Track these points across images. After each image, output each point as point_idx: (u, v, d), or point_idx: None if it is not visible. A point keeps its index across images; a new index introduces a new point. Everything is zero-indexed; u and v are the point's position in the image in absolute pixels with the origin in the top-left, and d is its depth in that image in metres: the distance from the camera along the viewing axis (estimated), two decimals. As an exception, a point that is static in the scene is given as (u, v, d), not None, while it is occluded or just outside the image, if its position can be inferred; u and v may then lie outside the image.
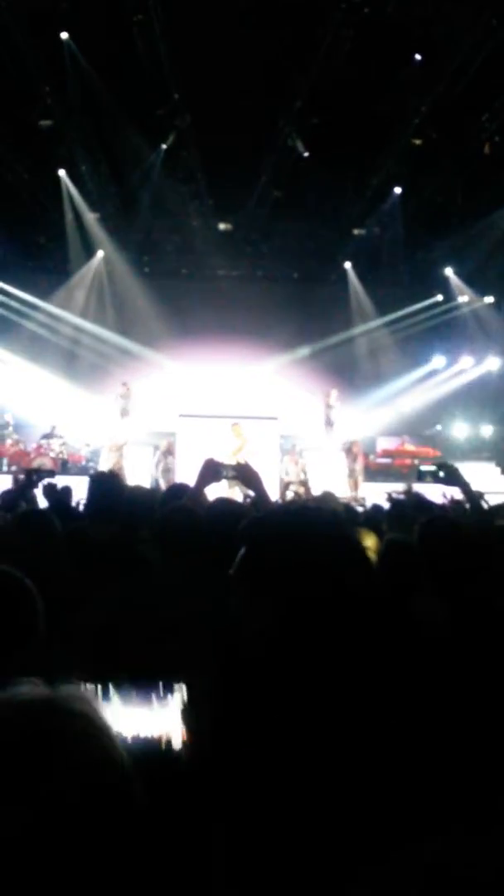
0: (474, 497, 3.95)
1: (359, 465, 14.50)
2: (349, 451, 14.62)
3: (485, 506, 4.19)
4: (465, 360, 19.16)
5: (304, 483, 12.88)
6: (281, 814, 1.15)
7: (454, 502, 5.71)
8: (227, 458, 12.93)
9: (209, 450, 12.60)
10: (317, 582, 1.43)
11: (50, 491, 4.56)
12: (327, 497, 6.32)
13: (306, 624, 1.36)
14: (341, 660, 1.33)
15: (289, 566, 1.47)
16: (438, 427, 18.72)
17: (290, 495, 9.73)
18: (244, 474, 3.19)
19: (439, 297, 19.38)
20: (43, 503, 4.98)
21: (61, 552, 2.79)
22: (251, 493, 3.47)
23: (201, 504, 3.09)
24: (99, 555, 2.85)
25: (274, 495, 11.52)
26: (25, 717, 0.80)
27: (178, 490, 3.69)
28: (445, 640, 1.60)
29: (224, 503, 3.67)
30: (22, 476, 5.17)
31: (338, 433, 16.38)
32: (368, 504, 8.90)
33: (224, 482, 3.29)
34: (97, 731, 0.82)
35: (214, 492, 3.79)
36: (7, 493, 5.31)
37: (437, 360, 19.53)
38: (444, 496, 6.19)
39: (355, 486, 13.95)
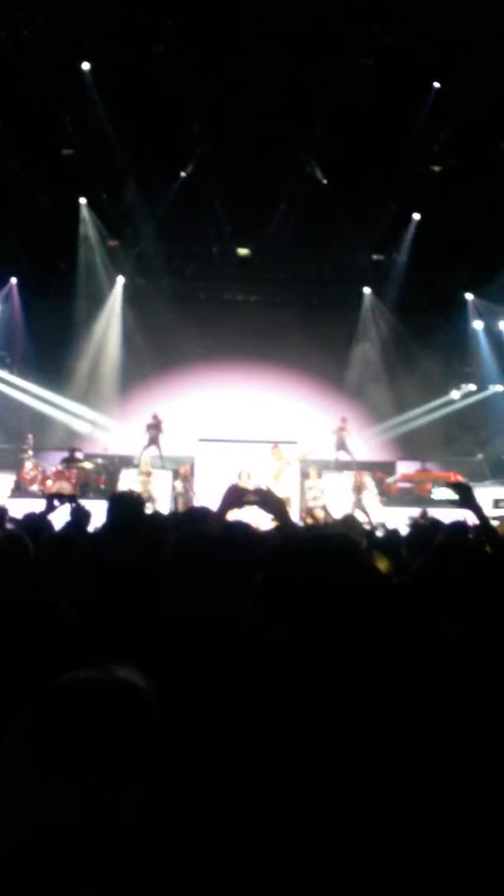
0: (486, 521, 3.90)
1: (364, 494, 14.60)
2: (354, 481, 14.77)
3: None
4: (487, 385, 19.11)
5: (324, 507, 12.87)
6: (297, 826, 1.14)
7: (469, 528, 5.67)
8: (269, 482, 12.97)
9: (257, 475, 12.70)
10: (334, 607, 1.42)
11: (76, 513, 4.57)
12: (349, 522, 6.29)
13: (325, 648, 1.35)
14: (363, 680, 1.32)
15: (307, 593, 1.47)
16: (480, 456, 18.53)
17: (311, 519, 9.72)
18: (267, 500, 3.15)
19: (459, 322, 19.40)
20: (57, 526, 5.00)
21: (87, 575, 2.79)
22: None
23: (221, 529, 3.07)
24: (119, 576, 2.84)
25: (296, 518, 11.52)
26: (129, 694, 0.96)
27: (197, 513, 3.67)
28: (471, 662, 1.58)
29: (241, 528, 3.65)
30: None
31: (351, 457, 16.45)
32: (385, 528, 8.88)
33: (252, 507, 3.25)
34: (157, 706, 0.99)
35: (239, 517, 3.76)
36: (29, 516, 5.32)
37: (457, 384, 19.47)
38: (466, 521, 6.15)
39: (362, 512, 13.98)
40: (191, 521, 3.28)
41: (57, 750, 0.88)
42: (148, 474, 14.87)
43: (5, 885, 0.83)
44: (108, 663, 1.02)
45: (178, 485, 14.94)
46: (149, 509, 9.59)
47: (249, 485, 12.86)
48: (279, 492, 12.75)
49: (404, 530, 7.48)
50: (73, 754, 0.87)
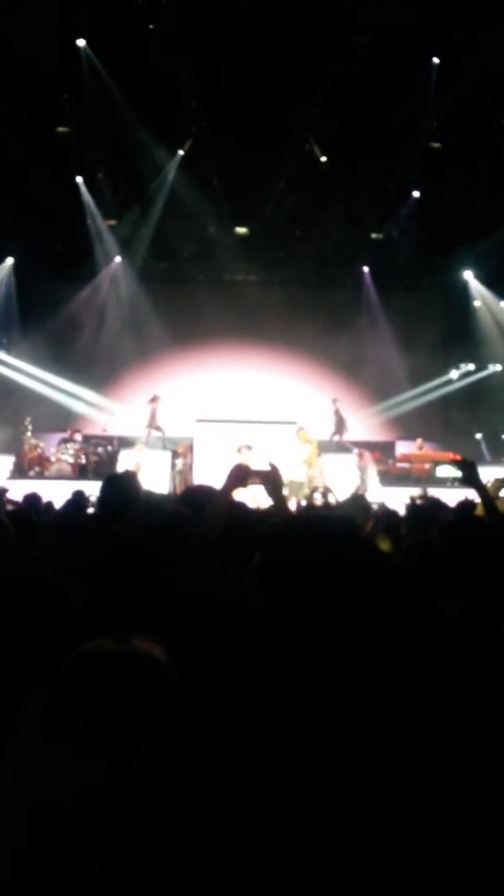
0: (489, 498, 3.90)
1: (369, 472, 14.55)
2: (360, 457, 14.71)
3: None
4: (486, 365, 19.10)
5: (326, 487, 12.85)
6: (297, 803, 1.15)
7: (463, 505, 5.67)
8: (299, 468, 12.89)
9: (279, 457, 12.66)
10: (335, 584, 1.42)
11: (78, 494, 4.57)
12: (357, 501, 6.29)
13: (326, 623, 1.36)
14: (365, 657, 1.32)
15: (305, 571, 1.47)
16: (479, 436, 18.52)
17: (318, 497, 9.68)
18: (270, 480, 3.17)
19: (458, 300, 19.33)
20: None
21: (93, 553, 2.80)
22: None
23: (226, 508, 3.07)
24: (113, 554, 2.84)
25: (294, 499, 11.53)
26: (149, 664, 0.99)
27: (200, 492, 3.65)
28: (473, 640, 1.58)
29: (242, 508, 3.66)
30: None
31: (348, 437, 16.46)
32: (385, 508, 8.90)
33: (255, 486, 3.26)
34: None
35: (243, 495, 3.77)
36: (29, 497, 5.34)
37: (454, 363, 19.46)
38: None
39: (365, 492, 13.97)
40: (195, 500, 3.27)
41: (76, 721, 0.90)
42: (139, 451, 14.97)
43: (21, 854, 0.85)
44: (126, 635, 1.04)
45: (178, 465, 14.96)
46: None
47: (249, 459, 12.85)
48: (317, 480, 12.71)
49: (402, 510, 7.51)
50: (92, 725, 0.90)
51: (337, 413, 16.79)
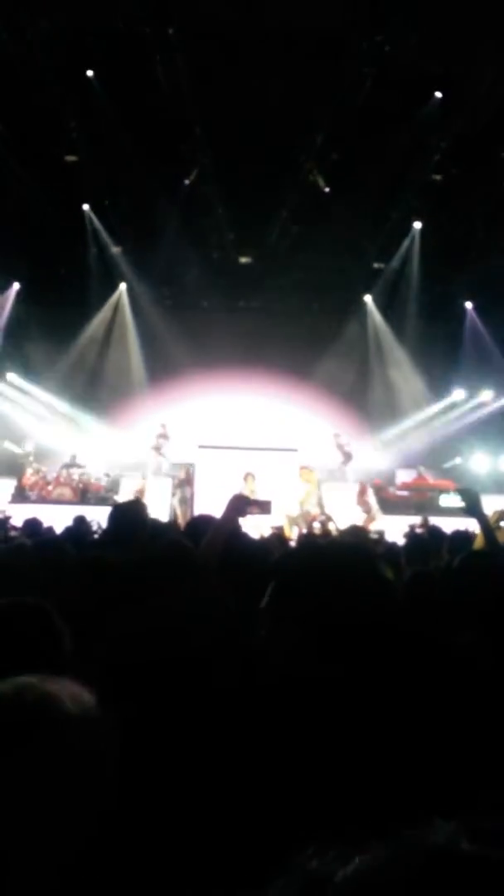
0: (491, 531, 3.88)
1: (366, 505, 14.54)
2: (359, 492, 14.72)
3: None
4: (486, 393, 19.11)
5: (327, 516, 12.82)
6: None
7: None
8: (295, 507, 12.90)
9: (280, 485, 12.56)
10: (347, 612, 1.42)
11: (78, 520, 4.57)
12: (356, 532, 6.29)
13: (338, 651, 1.36)
14: (375, 685, 1.32)
15: (320, 599, 1.47)
16: (458, 460, 18.61)
17: (316, 526, 9.68)
18: (269, 511, 3.21)
19: (458, 330, 19.39)
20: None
21: (75, 578, 2.80)
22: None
23: (225, 538, 3.09)
24: (115, 581, 2.84)
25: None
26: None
27: (201, 523, 3.67)
28: (488, 674, 1.58)
29: (245, 537, 3.67)
30: None
31: (354, 467, 16.43)
32: (386, 538, 8.90)
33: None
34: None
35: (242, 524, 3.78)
36: (29, 522, 5.34)
37: (457, 393, 19.48)
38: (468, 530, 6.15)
39: (368, 523, 13.93)
40: (198, 532, 3.29)
41: None
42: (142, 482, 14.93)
43: None
44: (53, 674, 1.09)
45: (179, 492, 14.92)
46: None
47: (256, 487, 12.82)
48: (313, 512, 12.70)
49: (401, 538, 7.51)
50: None
51: (340, 447, 16.79)
